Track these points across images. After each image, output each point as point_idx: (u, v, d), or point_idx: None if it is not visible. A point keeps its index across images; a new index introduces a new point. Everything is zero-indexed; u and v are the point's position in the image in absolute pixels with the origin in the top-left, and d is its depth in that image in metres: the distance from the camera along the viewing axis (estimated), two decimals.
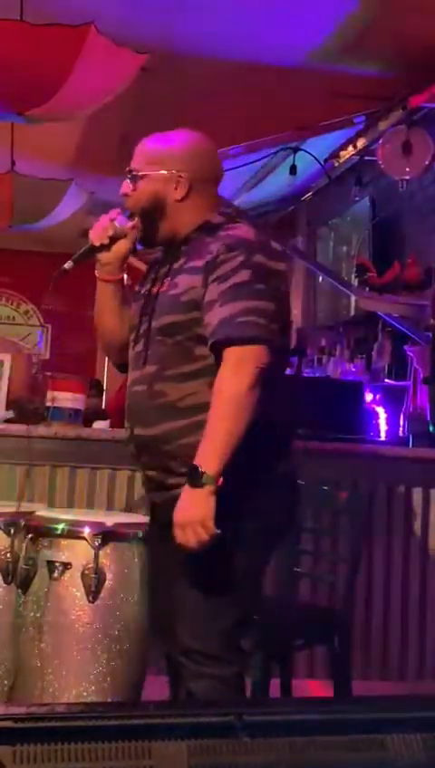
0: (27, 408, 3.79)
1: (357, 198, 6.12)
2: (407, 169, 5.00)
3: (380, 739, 1.02)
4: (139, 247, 2.35)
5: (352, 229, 6.53)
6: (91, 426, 4.07)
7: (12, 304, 10.25)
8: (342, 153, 5.59)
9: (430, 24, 4.29)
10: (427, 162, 4.98)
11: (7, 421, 3.71)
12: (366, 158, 5.69)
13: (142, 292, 2.31)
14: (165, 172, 2.24)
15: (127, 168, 2.29)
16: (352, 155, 5.60)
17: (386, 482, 3.82)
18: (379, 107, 5.04)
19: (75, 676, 2.64)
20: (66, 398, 3.69)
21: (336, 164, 5.82)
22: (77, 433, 3.65)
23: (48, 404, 3.69)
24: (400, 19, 4.30)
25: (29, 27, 3.90)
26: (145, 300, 2.28)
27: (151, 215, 2.25)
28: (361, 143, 5.34)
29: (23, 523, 2.82)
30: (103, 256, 2.30)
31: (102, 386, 8.21)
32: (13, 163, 6.03)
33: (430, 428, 4.26)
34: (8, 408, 3.78)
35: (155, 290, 2.25)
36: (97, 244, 2.28)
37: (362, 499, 3.15)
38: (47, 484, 3.63)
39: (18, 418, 3.74)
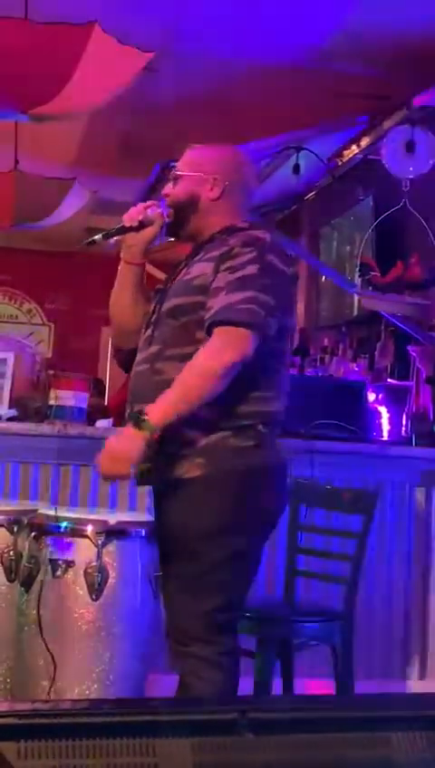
0: (30, 407, 3.79)
1: (360, 198, 6.12)
2: (410, 169, 4.99)
3: (384, 737, 1.02)
4: (161, 239, 2.54)
5: (356, 228, 6.52)
6: (93, 424, 4.07)
7: (14, 303, 10.25)
8: (345, 152, 5.59)
9: (433, 22, 4.28)
10: (430, 161, 4.98)
11: (10, 419, 3.71)
12: (369, 157, 5.69)
13: (162, 287, 2.50)
14: (202, 174, 2.46)
15: (172, 172, 2.53)
16: (356, 154, 5.60)
17: (388, 481, 3.82)
18: (382, 106, 5.03)
19: (78, 674, 2.65)
20: (69, 397, 3.69)
21: (339, 163, 5.82)
22: (80, 431, 3.65)
23: (51, 402, 3.69)
24: (403, 19, 4.29)
25: (33, 26, 3.90)
26: (166, 290, 2.45)
27: (185, 208, 2.46)
28: (364, 142, 5.34)
29: (26, 521, 2.82)
30: (130, 237, 2.48)
31: (105, 385, 8.21)
32: (16, 162, 6.03)
33: (433, 428, 4.25)
34: (11, 406, 3.78)
35: (173, 281, 2.45)
36: (127, 224, 2.47)
37: (365, 498, 3.15)
38: (50, 482, 3.63)
39: (21, 417, 3.74)
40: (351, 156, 5.64)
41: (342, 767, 1.01)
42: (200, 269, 2.34)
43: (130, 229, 2.48)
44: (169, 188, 2.53)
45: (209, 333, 2.24)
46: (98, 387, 7.69)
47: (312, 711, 1.06)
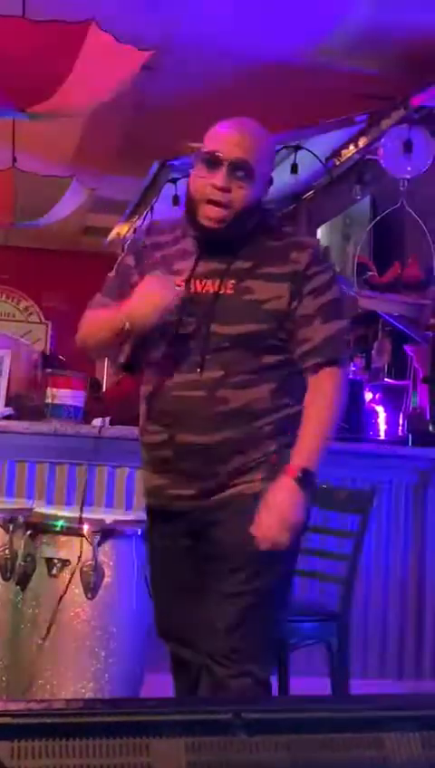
0: (27, 405, 3.79)
1: (358, 198, 6.11)
2: (408, 169, 4.99)
3: (378, 737, 1.02)
4: None
5: (353, 228, 6.52)
6: (90, 423, 4.07)
7: (12, 301, 10.24)
8: (343, 152, 5.58)
9: (432, 23, 4.28)
10: (428, 162, 4.98)
11: (7, 418, 3.71)
12: (367, 157, 5.68)
13: (174, 287, 2.15)
14: (269, 174, 2.20)
15: (238, 161, 2.09)
16: (354, 154, 5.59)
17: (385, 481, 3.82)
18: (381, 106, 5.03)
19: (73, 673, 2.65)
20: (66, 396, 3.69)
21: (337, 163, 5.81)
22: (76, 430, 3.65)
23: (48, 401, 3.69)
24: (402, 18, 4.29)
25: (31, 24, 3.90)
26: (189, 297, 2.14)
27: (245, 217, 2.13)
28: (362, 142, 5.33)
29: (21, 520, 2.82)
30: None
31: (101, 384, 8.21)
32: (14, 160, 6.02)
33: (430, 428, 4.26)
34: (8, 404, 3.77)
35: (205, 288, 2.14)
36: (139, 331, 2.14)
37: (361, 498, 3.15)
38: (46, 480, 3.63)
39: (18, 415, 3.74)
40: (349, 155, 5.63)
41: (337, 767, 1.01)
42: (269, 291, 2.11)
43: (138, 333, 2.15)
44: (226, 181, 2.08)
45: (309, 367, 2.14)
46: (95, 386, 7.68)
47: (306, 711, 1.06)
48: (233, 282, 2.13)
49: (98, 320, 2.23)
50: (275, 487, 2.09)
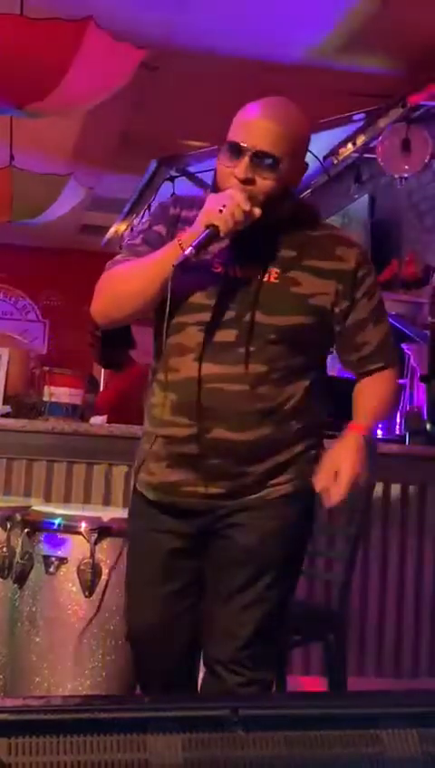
0: (24, 403, 3.79)
1: (356, 196, 6.12)
2: (406, 167, 4.99)
3: (375, 734, 1.02)
4: None
5: (351, 227, 6.52)
6: (88, 421, 4.07)
7: (9, 299, 10.24)
8: (341, 150, 5.58)
9: (430, 21, 4.28)
10: (426, 160, 4.98)
11: (4, 416, 3.71)
12: (365, 155, 5.69)
13: (203, 264, 2.02)
14: (300, 160, 2.06)
15: (261, 152, 1.97)
16: (352, 152, 5.59)
17: (383, 480, 3.82)
18: (379, 104, 5.03)
19: (71, 671, 2.65)
20: (64, 394, 3.69)
21: (335, 161, 5.81)
22: (74, 428, 3.65)
23: (45, 399, 3.69)
24: (400, 16, 4.29)
25: (29, 22, 3.90)
26: (226, 282, 2.02)
27: (276, 204, 2.00)
28: (360, 141, 5.33)
29: (19, 518, 2.82)
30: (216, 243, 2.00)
31: (99, 382, 8.20)
32: (12, 157, 6.02)
33: (428, 426, 4.26)
34: (5, 402, 3.78)
35: (246, 274, 2.03)
36: (223, 232, 1.95)
37: (359, 496, 3.15)
38: (44, 478, 3.63)
39: (15, 413, 3.74)
40: (347, 154, 5.63)
41: (333, 764, 1.01)
42: (316, 285, 2.03)
43: (225, 237, 1.98)
44: (250, 172, 1.97)
45: (367, 371, 2.15)
46: (92, 384, 7.68)
47: (303, 708, 1.06)
48: (277, 271, 2.03)
49: (134, 267, 2.05)
50: (340, 443, 2.09)
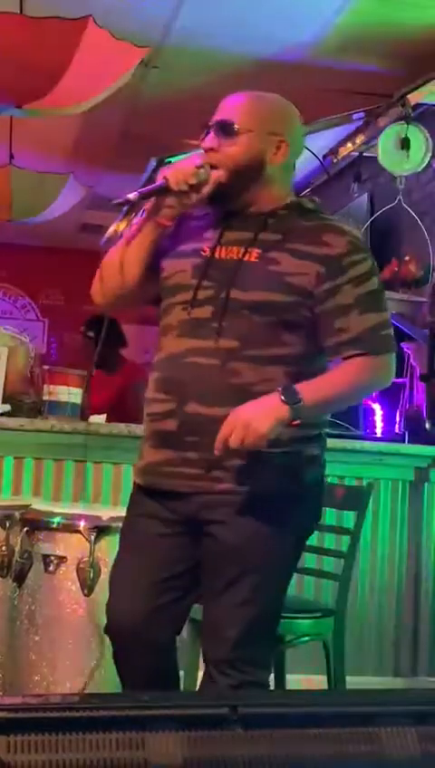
0: (24, 402, 3.79)
1: (355, 195, 6.11)
2: (405, 166, 4.99)
3: (374, 732, 1.02)
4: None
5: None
6: (87, 420, 4.07)
7: (8, 298, 10.24)
8: (340, 149, 5.57)
9: (430, 20, 4.28)
10: (425, 159, 4.98)
11: (4, 414, 3.70)
12: (365, 154, 5.68)
13: (194, 249, 2.12)
14: (271, 135, 2.11)
15: (218, 121, 2.10)
16: (351, 151, 5.58)
17: (382, 478, 3.82)
18: (378, 103, 5.03)
19: (70, 670, 2.65)
20: (63, 392, 3.69)
21: (335, 160, 5.80)
22: (74, 427, 3.64)
23: (45, 398, 3.69)
24: (400, 16, 4.29)
25: (28, 20, 3.90)
26: (210, 262, 2.09)
27: (246, 175, 2.08)
28: (360, 140, 5.33)
29: (18, 516, 2.82)
30: (170, 200, 2.09)
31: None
32: (11, 156, 6.01)
33: (427, 425, 4.26)
34: (4, 401, 3.77)
35: (229, 255, 2.08)
36: (175, 188, 2.06)
37: (358, 495, 3.15)
38: (43, 477, 3.63)
39: (15, 412, 3.74)
40: (346, 153, 5.63)
41: (332, 762, 1.01)
42: (296, 266, 2.03)
43: (176, 193, 2.06)
44: (214, 142, 2.09)
45: (342, 354, 2.05)
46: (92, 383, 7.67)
47: (302, 706, 1.06)
48: (259, 251, 2.07)
49: (124, 240, 2.16)
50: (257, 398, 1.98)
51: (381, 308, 2.10)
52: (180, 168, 2.07)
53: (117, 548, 2.22)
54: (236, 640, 2.02)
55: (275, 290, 2.03)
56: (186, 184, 2.05)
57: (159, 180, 2.07)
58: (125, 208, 2.10)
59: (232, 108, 2.13)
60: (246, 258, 2.06)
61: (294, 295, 2.03)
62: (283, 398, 1.94)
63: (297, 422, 1.97)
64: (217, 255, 2.09)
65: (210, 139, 2.10)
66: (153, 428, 2.10)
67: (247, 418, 1.92)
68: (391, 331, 2.12)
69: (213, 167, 2.08)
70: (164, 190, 2.07)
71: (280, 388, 1.96)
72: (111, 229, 2.15)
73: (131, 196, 2.04)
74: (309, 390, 1.98)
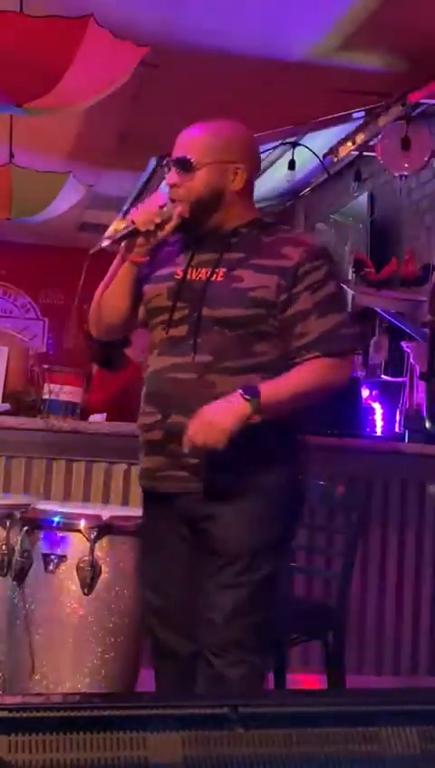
0: (24, 401, 3.79)
1: (356, 194, 6.12)
2: (406, 165, 4.99)
3: (374, 731, 1.02)
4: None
5: (351, 225, 6.52)
6: (87, 419, 4.07)
7: (9, 297, 10.24)
8: (341, 148, 5.57)
9: (430, 19, 4.28)
10: (426, 158, 4.98)
11: (3, 413, 3.71)
12: (365, 153, 5.68)
13: (169, 273, 2.30)
14: (227, 165, 2.25)
15: (176, 159, 2.26)
16: (351, 150, 5.58)
17: (382, 478, 3.83)
18: (378, 102, 5.03)
19: (70, 669, 2.65)
20: (63, 392, 3.69)
21: (335, 159, 5.81)
22: (73, 426, 3.65)
23: (45, 397, 3.69)
24: (400, 15, 4.29)
25: (28, 19, 3.89)
26: (182, 284, 2.26)
27: (207, 204, 2.25)
28: (360, 139, 5.33)
29: (18, 516, 2.82)
30: (141, 240, 2.27)
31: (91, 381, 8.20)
32: (11, 155, 6.01)
33: (427, 425, 4.26)
34: (4, 400, 3.78)
35: (199, 276, 2.25)
36: (142, 229, 2.25)
37: (358, 494, 3.15)
38: (43, 476, 3.63)
39: (14, 411, 3.74)
40: (346, 152, 5.63)
41: (332, 761, 1.01)
42: (257, 280, 2.19)
43: (145, 233, 2.25)
44: (175, 178, 2.25)
45: (305, 357, 2.19)
46: (91, 382, 7.68)
47: (303, 705, 1.06)
48: (224, 270, 2.23)
49: (105, 281, 2.34)
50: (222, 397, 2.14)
51: (339, 309, 2.24)
52: (145, 210, 2.26)
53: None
54: (221, 622, 2.16)
55: (240, 305, 2.19)
56: (152, 224, 2.24)
57: (128, 224, 2.27)
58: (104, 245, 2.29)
59: (187, 144, 2.27)
60: (213, 278, 2.23)
61: (259, 308, 2.19)
62: (242, 395, 2.10)
63: (257, 418, 2.11)
64: (188, 277, 2.27)
65: (171, 176, 2.27)
66: (144, 438, 2.29)
67: (210, 418, 2.09)
68: (352, 330, 2.27)
69: (174, 200, 2.25)
70: (133, 233, 2.26)
71: (241, 388, 2.11)
72: (111, 228, 2.30)
73: (105, 243, 2.28)
74: (267, 388, 2.13)
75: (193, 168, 2.23)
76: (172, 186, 2.26)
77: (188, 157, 2.24)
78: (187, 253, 2.30)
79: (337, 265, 2.28)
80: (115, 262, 2.34)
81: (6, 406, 3.75)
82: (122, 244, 2.29)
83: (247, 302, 2.18)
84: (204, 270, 2.25)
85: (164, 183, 2.31)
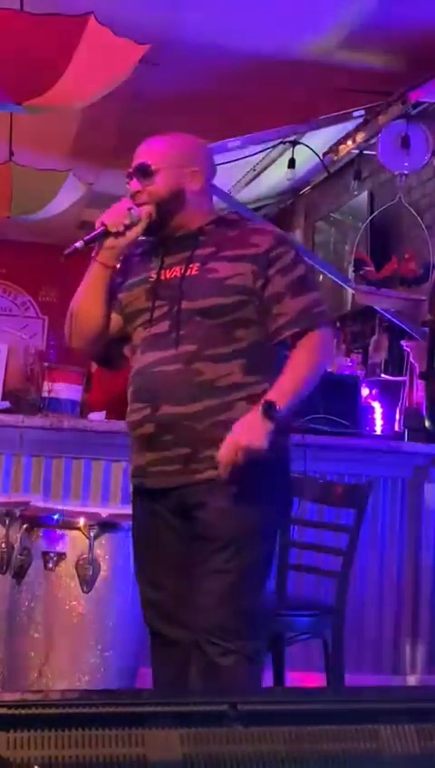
0: (23, 399, 3.79)
1: (356, 193, 6.11)
2: (406, 164, 4.99)
3: (373, 729, 1.02)
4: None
5: (351, 223, 6.52)
6: (87, 417, 4.07)
7: (9, 296, 10.23)
8: (341, 147, 5.57)
9: (430, 18, 4.28)
10: (426, 157, 4.98)
11: (3, 411, 3.71)
12: (365, 152, 5.68)
13: (143, 278, 2.39)
14: (183, 167, 2.37)
15: (136, 166, 2.39)
16: (351, 149, 5.58)
17: (381, 476, 3.83)
18: (378, 101, 5.03)
19: (69, 666, 2.65)
20: (63, 389, 3.69)
21: (335, 158, 5.80)
22: (73, 424, 3.65)
23: (44, 395, 3.70)
24: (401, 14, 4.29)
25: (28, 17, 3.89)
26: (158, 284, 2.35)
27: (170, 204, 2.36)
28: (360, 137, 5.32)
29: (18, 513, 2.82)
30: (111, 242, 2.36)
31: (91, 380, 8.20)
32: (11, 153, 6.01)
33: (426, 424, 4.26)
34: (4, 398, 3.78)
35: (173, 274, 2.34)
36: (113, 230, 2.34)
37: (357, 493, 3.16)
38: (42, 474, 3.63)
39: (14, 409, 3.74)
40: (346, 151, 5.63)
41: (331, 759, 1.01)
42: (232, 269, 2.30)
43: (115, 234, 2.36)
44: (137, 185, 2.39)
45: (285, 339, 2.30)
46: (91, 380, 7.68)
47: (301, 703, 1.06)
48: (198, 265, 2.33)
49: (79, 290, 2.42)
50: (243, 418, 2.21)
51: (310, 289, 2.36)
52: (114, 213, 2.36)
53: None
54: (212, 608, 2.20)
55: (219, 294, 2.29)
56: (122, 225, 2.34)
57: (98, 227, 2.36)
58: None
59: (146, 152, 2.41)
60: (187, 273, 2.33)
61: (237, 295, 2.29)
62: (263, 412, 2.18)
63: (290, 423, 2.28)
64: (162, 277, 2.36)
65: (134, 184, 2.39)
66: (135, 435, 2.35)
67: (245, 441, 2.17)
68: (324, 308, 2.38)
69: (139, 205, 2.36)
70: (104, 234, 2.36)
71: (259, 406, 2.20)
72: (78, 244, 2.37)
73: (78, 244, 2.35)
74: (279, 395, 2.22)
75: (152, 172, 2.37)
76: (135, 193, 2.38)
77: (147, 162, 2.38)
78: (157, 256, 2.40)
79: (300, 249, 2.42)
80: (88, 271, 2.42)
81: (6, 404, 3.75)
82: (95, 248, 2.37)
83: (226, 290, 2.28)
84: (177, 268, 2.35)
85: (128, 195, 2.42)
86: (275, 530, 2.40)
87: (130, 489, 2.43)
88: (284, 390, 2.23)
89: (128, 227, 2.35)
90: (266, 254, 2.30)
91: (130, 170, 2.41)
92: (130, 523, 2.71)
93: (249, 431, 2.18)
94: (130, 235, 2.36)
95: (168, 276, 2.35)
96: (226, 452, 2.17)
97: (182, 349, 2.27)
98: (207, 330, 2.27)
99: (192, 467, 2.26)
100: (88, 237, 2.35)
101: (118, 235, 2.35)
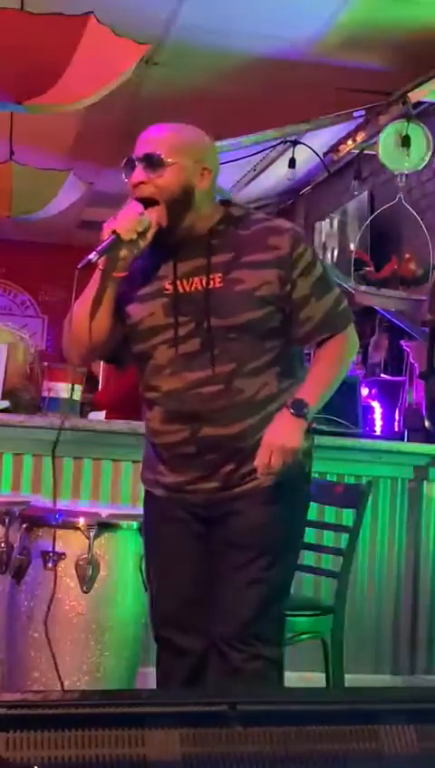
0: (23, 398, 3.79)
1: (356, 193, 6.11)
2: (406, 164, 4.99)
3: (373, 729, 1.02)
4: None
5: (351, 223, 6.51)
6: (87, 416, 4.07)
7: (8, 295, 10.23)
8: (341, 147, 5.57)
9: (430, 18, 4.28)
10: (426, 157, 4.98)
11: (3, 411, 3.70)
12: (365, 152, 5.68)
13: (156, 289, 2.22)
14: (194, 162, 2.20)
15: (145, 154, 2.18)
16: (352, 149, 5.58)
17: (381, 476, 3.82)
18: (379, 101, 5.03)
19: (68, 666, 2.65)
20: (63, 389, 3.68)
21: (335, 158, 5.80)
22: (73, 423, 3.64)
23: (44, 394, 3.69)
24: (400, 13, 4.29)
25: (29, 16, 3.89)
26: (178, 298, 2.19)
27: (180, 204, 2.17)
28: (360, 137, 5.32)
29: (18, 513, 2.82)
30: (122, 252, 2.17)
31: (98, 378, 8.20)
32: (12, 152, 6.01)
33: (426, 424, 4.26)
34: (4, 398, 3.77)
35: (194, 287, 2.19)
36: (126, 238, 2.14)
37: (357, 493, 3.15)
38: (42, 474, 3.62)
39: (14, 408, 3.73)
40: (347, 150, 5.63)
41: (331, 759, 1.01)
42: (257, 277, 2.17)
43: (129, 243, 2.15)
44: (142, 175, 2.17)
45: (315, 340, 2.25)
46: (91, 380, 7.67)
47: (301, 703, 1.06)
48: (220, 275, 2.19)
49: (80, 301, 2.22)
50: (274, 421, 2.17)
51: (331, 288, 2.28)
52: (125, 219, 2.15)
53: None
54: (248, 618, 2.18)
55: (249, 308, 2.18)
56: (135, 232, 2.15)
57: (108, 235, 2.15)
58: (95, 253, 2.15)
59: (155, 141, 2.20)
60: (210, 286, 2.18)
61: (267, 306, 2.19)
62: (294, 412, 2.15)
63: (312, 423, 2.22)
64: (180, 290, 2.20)
65: (138, 174, 2.18)
66: (170, 454, 2.25)
67: (280, 442, 2.12)
68: (345, 303, 2.31)
69: (147, 204, 2.16)
70: (117, 243, 2.15)
71: (288, 405, 2.16)
72: (92, 257, 2.15)
73: (92, 256, 2.13)
74: (309, 395, 2.19)
75: (162, 165, 2.16)
76: (138, 184, 2.17)
77: (158, 152, 2.17)
78: (167, 264, 2.22)
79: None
80: (93, 280, 2.22)
81: (6, 403, 3.75)
82: (102, 258, 2.16)
83: (256, 302, 2.17)
84: (196, 279, 2.19)
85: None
86: (303, 534, 2.42)
87: (151, 495, 2.35)
88: (311, 390, 2.20)
89: (140, 234, 2.15)
90: (289, 257, 2.19)
91: (135, 158, 2.19)
92: (131, 523, 2.72)
93: (282, 431, 2.14)
94: (142, 243, 2.17)
95: (188, 290, 2.19)
96: (263, 456, 2.13)
97: (219, 369, 2.17)
98: (241, 346, 2.18)
99: (234, 482, 2.22)
100: (100, 248, 2.13)
101: (130, 243, 2.15)
